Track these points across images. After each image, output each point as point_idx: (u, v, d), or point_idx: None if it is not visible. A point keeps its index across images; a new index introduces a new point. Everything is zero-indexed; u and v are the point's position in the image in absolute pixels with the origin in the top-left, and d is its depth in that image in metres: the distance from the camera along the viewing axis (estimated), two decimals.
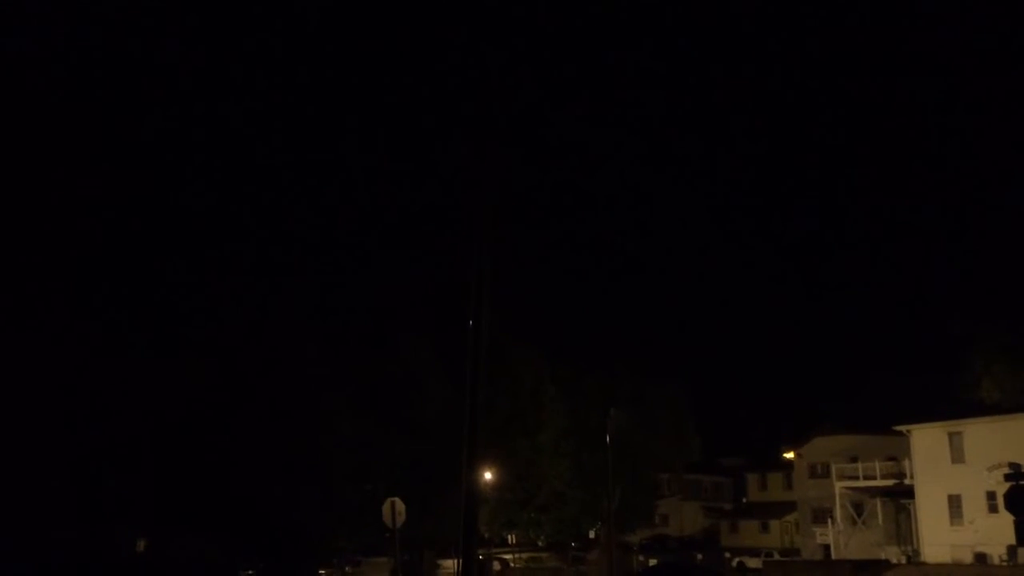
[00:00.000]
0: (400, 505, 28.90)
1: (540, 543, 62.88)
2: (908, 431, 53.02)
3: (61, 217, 31.22)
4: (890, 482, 55.31)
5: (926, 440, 52.16)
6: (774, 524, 72.44)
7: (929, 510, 51.77)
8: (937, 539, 50.73)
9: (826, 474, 60.81)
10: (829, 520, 59.28)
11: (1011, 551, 42.54)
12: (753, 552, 61.33)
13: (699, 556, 60.39)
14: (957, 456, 50.49)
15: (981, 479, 46.92)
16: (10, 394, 29.77)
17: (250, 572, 40.58)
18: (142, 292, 35.31)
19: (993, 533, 43.99)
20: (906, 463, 53.88)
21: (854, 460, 58.61)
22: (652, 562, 52.85)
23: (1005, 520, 28.18)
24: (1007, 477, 27.78)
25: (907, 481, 53.77)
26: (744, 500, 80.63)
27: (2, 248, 30.42)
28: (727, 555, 62.50)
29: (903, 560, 52.80)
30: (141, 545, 39.45)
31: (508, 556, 59.34)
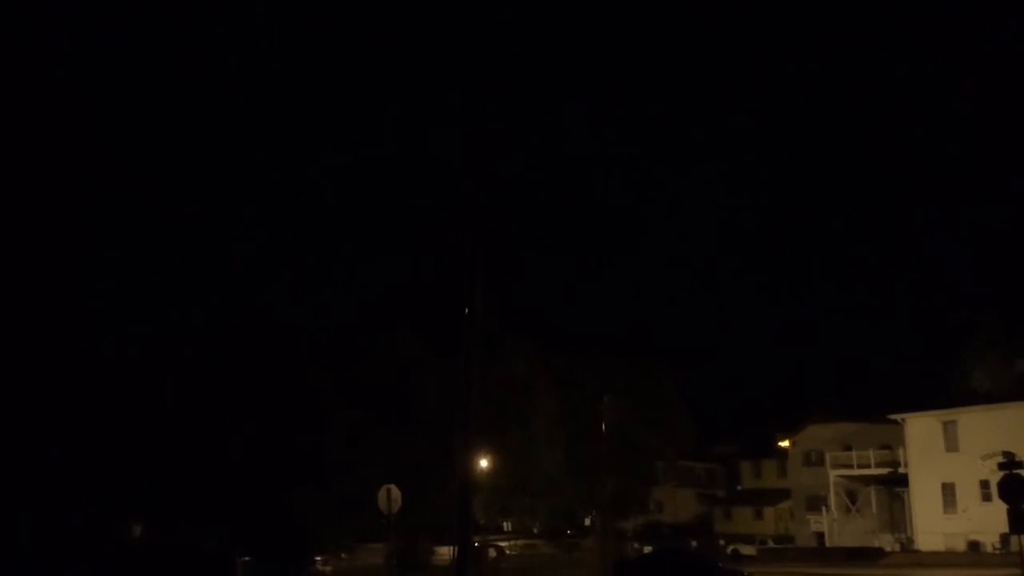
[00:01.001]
0: (396, 492, 28.98)
1: (535, 530, 63.12)
2: (902, 420, 53.18)
3: (55, 211, 31.13)
4: (884, 470, 55.52)
5: (920, 429, 52.33)
6: (768, 511, 72.70)
7: (923, 498, 51.98)
8: (930, 527, 50.95)
9: (820, 462, 61.00)
10: (823, 508, 59.50)
11: (1004, 539, 42.68)
12: (747, 539, 61.54)
13: (693, 543, 60.55)
14: (951, 445, 50.67)
15: (975, 468, 47.09)
16: (4, 382, 29.74)
17: (246, 559, 40.61)
18: (137, 281, 35.22)
19: (986, 521, 44.15)
20: (900, 451, 54.07)
21: (848, 448, 58.79)
22: (646, 549, 52.99)
23: (998, 508, 28.29)
24: (1000, 466, 27.89)
25: (901, 469, 53.97)
26: (738, 487, 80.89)
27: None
28: (721, 542, 62.70)
29: (896, 548, 53.02)
30: (136, 532, 39.47)
31: (503, 543, 59.49)
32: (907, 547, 52.61)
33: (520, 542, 61.78)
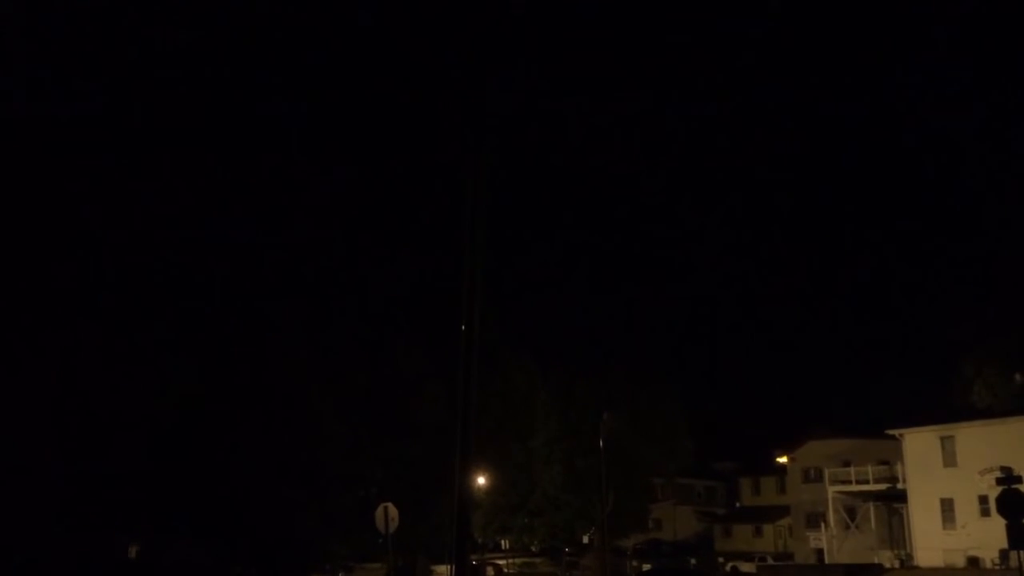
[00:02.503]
0: (393, 510, 28.87)
1: (533, 548, 62.77)
2: (901, 435, 53.13)
3: (58, 220, 31.18)
4: (883, 486, 55.39)
5: (918, 444, 52.26)
6: (767, 528, 72.48)
7: (922, 514, 51.85)
8: (930, 543, 50.81)
9: (819, 478, 60.88)
10: (822, 524, 59.31)
11: (1003, 555, 42.58)
12: (747, 556, 61.31)
13: (693, 561, 60.36)
14: (949, 460, 50.61)
15: (973, 483, 47.04)
16: (1, 398, 29.67)
17: None
18: (135, 296, 35.22)
19: (985, 537, 44.07)
20: (899, 467, 53.98)
21: (847, 464, 58.69)
22: (646, 567, 52.84)
23: (997, 524, 28.23)
24: (999, 481, 27.90)
25: (900, 485, 53.86)
26: (737, 504, 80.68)
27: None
28: (721, 559, 62.50)
29: (896, 564, 52.87)
30: (133, 551, 39.26)
31: (502, 561, 59.26)
32: (906, 563, 52.46)
33: (518, 560, 61.47)
